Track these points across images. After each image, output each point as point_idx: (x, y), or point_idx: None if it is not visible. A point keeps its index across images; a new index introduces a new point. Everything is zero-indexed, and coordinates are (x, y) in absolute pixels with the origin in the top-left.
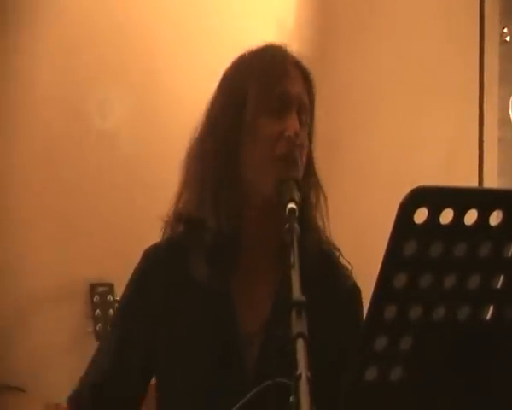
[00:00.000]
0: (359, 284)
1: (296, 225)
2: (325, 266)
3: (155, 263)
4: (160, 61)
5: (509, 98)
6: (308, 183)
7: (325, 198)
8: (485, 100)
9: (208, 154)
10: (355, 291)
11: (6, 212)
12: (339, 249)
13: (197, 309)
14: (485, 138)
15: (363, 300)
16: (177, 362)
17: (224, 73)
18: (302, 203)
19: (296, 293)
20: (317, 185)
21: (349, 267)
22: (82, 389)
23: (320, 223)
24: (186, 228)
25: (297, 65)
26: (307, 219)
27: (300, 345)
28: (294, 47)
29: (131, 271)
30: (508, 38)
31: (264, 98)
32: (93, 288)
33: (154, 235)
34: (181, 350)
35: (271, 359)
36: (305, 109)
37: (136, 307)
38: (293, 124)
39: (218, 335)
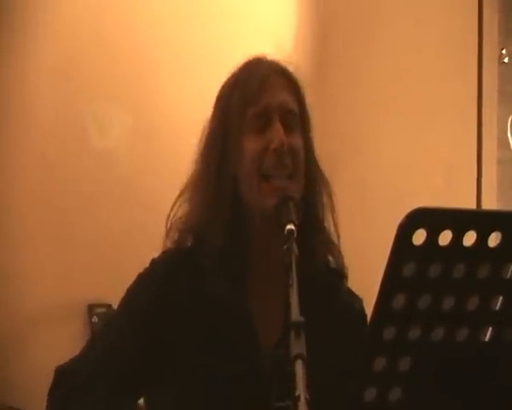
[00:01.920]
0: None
1: (294, 245)
2: (332, 284)
3: (166, 275)
4: (157, 78)
5: (508, 119)
6: (313, 188)
7: (333, 202)
8: (483, 121)
9: (206, 171)
10: (362, 317)
11: (3, 231)
12: (346, 268)
13: (215, 325)
14: (483, 159)
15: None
16: (197, 378)
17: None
18: (309, 211)
19: (295, 314)
20: (325, 187)
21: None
22: (75, 369)
23: (331, 227)
24: (194, 240)
25: (279, 72)
26: (316, 228)
27: (299, 366)
28: (293, 65)
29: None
30: (506, 60)
31: (245, 117)
32: (91, 309)
33: (152, 255)
34: (202, 367)
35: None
36: (292, 114)
37: (137, 320)
38: (276, 134)
39: (241, 351)
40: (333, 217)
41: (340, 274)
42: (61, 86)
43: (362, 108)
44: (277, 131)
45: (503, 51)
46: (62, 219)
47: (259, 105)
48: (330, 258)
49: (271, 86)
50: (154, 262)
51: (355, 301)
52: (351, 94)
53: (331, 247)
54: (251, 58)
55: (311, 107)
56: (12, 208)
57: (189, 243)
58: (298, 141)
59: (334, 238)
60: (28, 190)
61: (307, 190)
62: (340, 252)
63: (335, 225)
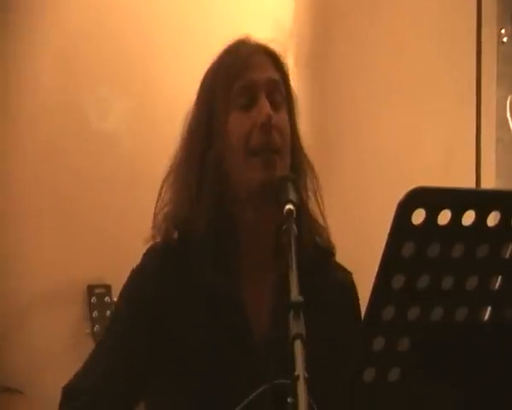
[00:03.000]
0: (358, 283)
1: (294, 226)
2: (321, 263)
3: (157, 265)
4: (158, 64)
5: (507, 99)
6: (297, 168)
7: (317, 179)
8: (482, 101)
9: (189, 156)
10: (352, 290)
11: (4, 214)
12: (334, 246)
13: (207, 315)
14: (482, 139)
15: (363, 300)
16: (192, 368)
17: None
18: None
19: (294, 294)
20: (308, 168)
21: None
22: (81, 387)
23: (315, 209)
24: (180, 231)
25: (264, 51)
26: (302, 210)
27: (298, 346)
28: (292, 51)
29: (129, 272)
30: (505, 40)
31: (230, 95)
32: (90, 289)
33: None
34: (196, 356)
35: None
36: (278, 89)
37: (134, 313)
38: (263, 109)
39: (234, 338)
40: (316, 198)
41: (327, 252)
42: (64, 71)
43: (361, 91)
44: (264, 107)
45: (503, 31)
46: (62, 201)
47: (245, 80)
48: (317, 238)
49: (257, 64)
50: (143, 260)
51: (345, 275)
52: (350, 76)
53: (317, 227)
54: (235, 40)
55: (310, 89)
56: (13, 192)
57: (176, 235)
58: (284, 117)
59: (320, 218)
60: (28, 174)
61: (292, 169)
62: (325, 231)
63: (320, 205)
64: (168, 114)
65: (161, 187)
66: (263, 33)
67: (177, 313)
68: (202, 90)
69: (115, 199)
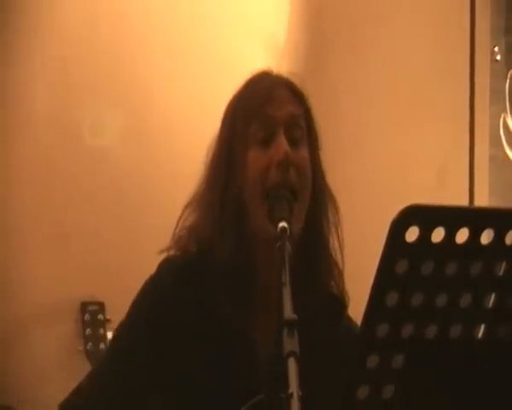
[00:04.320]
0: (353, 298)
1: (288, 244)
2: (333, 310)
3: (172, 281)
4: (151, 78)
5: (500, 117)
6: (318, 203)
7: (339, 214)
8: (476, 118)
9: (211, 178)
10: (354, 326)
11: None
12: (348, 299)
13: (217, 342)
14: (476, 156)
15: (358, 315)
16: (197, 388)
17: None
18: (314, 227)
19: (288, 311)
20: (331, 202)
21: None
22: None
23: (336, 252)
24: (200, 249)
25: (285, 85)
26: (320, 246)
27: (292, 364)
28: (286, 65)
29: (122, 289)
30: (498, 57)
31: (248, 131)
32: (84, 306)
33: (144, 254)
34: (201, 377)
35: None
36: (297, 125)
37: (144, 330)
38: (280, 146)
39: (241, 371)
40: (338, 236)
41: (341, 302)
42: (57, 87)
43: (355, 107)
44: (281, 144)
45: (496, 49)
46: (56, 217)
47: (264, 115)
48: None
49: (276, 99)
50: (158, 272)
51: (351, 322)
52: (343, 93)
53: (334, 271)
54: (255, 72)
55: None
56: (7, 206)
57: (195, 251)
58: (304, 154)
59: (338, 259)
60: (23, 190)
61: (313, 208)
62: (342, 277)
63: (340, 245)
64: (161, 132)
65: (182, 213)
66: (257, 49)
67: (186, 335)
68: (223, 124)
69: (111, 217)
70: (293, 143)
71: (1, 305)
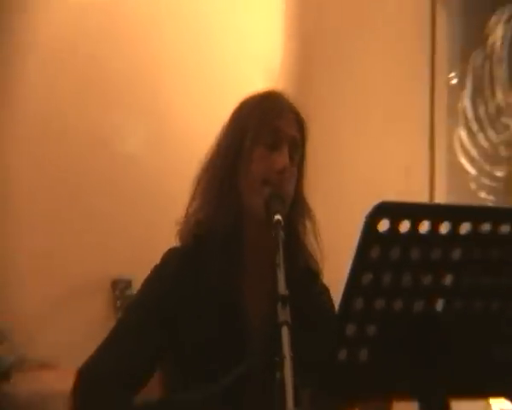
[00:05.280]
0: (332, 279)
1: (282, 232)
2: (310, 279)
3: (174, 267)
4: (167, 92)
5: (455, 130)
6: (299, 209)
7: (314, 222)
8: (435, 131)
9: (215, 171)
10: (329, 294)
11: (36, 214)
12: (321, 270)
13: (213, 310)
14: (435, 163)
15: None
16: (197, 348)
17: (233, 110)
18: (294, 226)
19: (281, 288)
20: (308, 211)
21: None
22: (97, 373)
23: (313, 242)
24: (197, 238)
25: (292, 110)
26: (299, 241)
27: (285, 331)
28: (279, 86)
29: (147, 268)
30: (454, 81)
31: (261, 131)
32: (115, 284)
33: (166, 238)
34: (201, 339)
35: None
36: (297, 149)
37: (153, 305)
38: (283, 159)
39: (232, 327)
40: (315, 236)
41: (315, 273)
42: (83, 97)
43: (338, 124)
44: (285, 156)
45: (452, 74)
46: (90, 205)
47: (275, 127)
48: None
49: (287, 119)
50: (165, 259)
51: (326, 290)
52: (325, 109)
53: (309, 256)
54: (270, 90)
55: None
56: (43, 193)
57: (192, 242)
58: (294, 171)
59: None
60: (59, 177)
61: (292, 212)
62: (316, 260)
63: (318, 240)
64: (174, 134)
65: (191, 198)
66: (254, 75)
67: (187, 307)
68: (235, 121)
69: (137, 208)
70: (290, 160)
71: (40, 284)
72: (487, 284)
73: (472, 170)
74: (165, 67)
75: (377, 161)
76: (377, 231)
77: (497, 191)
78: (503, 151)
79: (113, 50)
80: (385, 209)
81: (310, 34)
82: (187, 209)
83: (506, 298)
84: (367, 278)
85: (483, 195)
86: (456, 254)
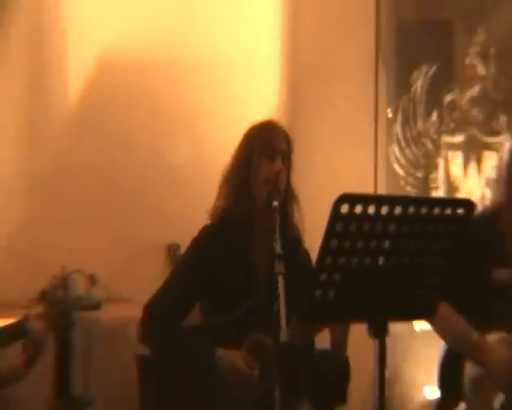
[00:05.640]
0: (310, 245)
1: (277, 215)
2: (296, 242)
3: (207, 240)
4: (202, 125)
5: (390, 147)
6: (289, 198)
7: (300, 207)
8: (378, 147)
9: (233, 175)
10: (308, 254)
11: (106, 191)
12: (302, 238)
13: (234, 263)
14: (378, 170)
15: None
16: (222, 290)
17: (244, 133)
18: (285, 209)
19: (278, 250)
20: (295, 199)
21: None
22: (157, 307)
23: (298, 220)
24: (222, 219)
25: (283, 132)
26: (289, 219)
27: (280, 279)
28: (275, 117)
29: (190, 236)
30: (390, 115)
31: (263, 148)
32: (170, 247)
33: (202, 216)
34: (226, 286)
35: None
36: (285, 157)
37: (194, 264)
38: (278, 166)
39: (246, 276)
40: (299, 215)
41: (300, 241)
42: (150, 126)
43: (312, 141)
44: (279, 164)
45: (388, 110)
46: (153, 191)
47: (274, 144)
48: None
49: (279, 139)
50: (201, 233)
51: (307, 252)
52: (306, 133)
53: (296, 229)
54: (269, 119)
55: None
56: (105, 165)
57: (220, 220)
58: (285, 171)
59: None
60: (126, 171)
61: (284, 199)
62: (300, 232)
63: (301, 219)
64: (206, 151)
65: (218, 193)
66: (257, 108)
67: (215, 264)
68: (244, 143)
69: (184, 194)
70: (282, 164)
71: (117, 245)
72: (412, 247)
73: (401, 172)
74: (200, 105)
75: (340, 167)
76: (340, 212)
77: (417, 187)
78: (421, 160)
79: (168, 93)
80: (345, 198)
81: (297, 83)
82: (215, 200)
83: (424, 256)
84: (333, 243)
85: (408, 189)
86: (392, 227)
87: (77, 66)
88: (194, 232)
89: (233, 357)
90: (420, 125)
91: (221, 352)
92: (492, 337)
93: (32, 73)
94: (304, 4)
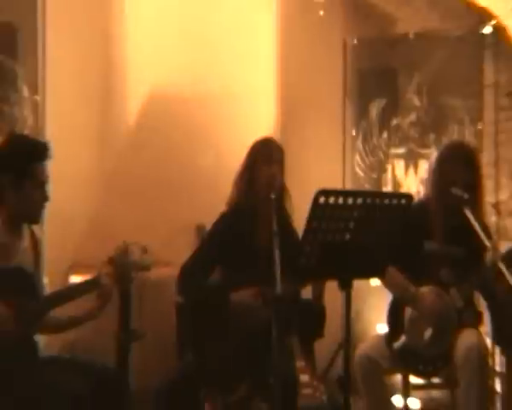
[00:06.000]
0: (298, 225)
1: (274, 205)
2: (287, 223)
3: (226, 220)
4: (219, 142)
5: (355, 156)
6: (282, 192)
7: (290, 199)
8: (346, 157)
9: (243, 177)
10: (296, 232)
11: (155, 185)
12: (292, 220)
13: (244, 240)
14: (345, 174)
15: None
16: (234, 258)
17: (249, 147)
18: (280, 201)
19: (274, 228)
20: (287, 193)
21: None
22: (189, 269)
23: (289, 208)
24: (235, 207)
25: (278, 146)
26: (282, 207)
27: (276, 252)
28: (272, 135)
29: (212, 219)
30: (354, 134)
31: (264, 158)
32: (198, 227)
33: (222, 203)
34: (236, 254)
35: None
36: (280, 164)
37: (215, 239)
38: (274, 170)
39: (251, 248)
40: (289, 204)
41: (290, 222)
42: (187, 139)
43: (299, 152)
44: (276, 169)
45: (353, 130)
46: (183, 178)
47: (272, 156)
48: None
49: (276, 150)
50: (220, 217)
51: (295, 231)
52: (295, 146)
53: (287, 214)
54: (268, 137)
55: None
56: (154, 167)
57: (233, 209)
58: (280, 175)
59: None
60: (167, 166)
61: (280, 193)
62: (290, 216)
63: (291, 207)
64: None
65: (232, 188)
66: (260, 129)
67: (230, 239)
68: (250, 154)
69: (208, 187)
70: (278, 169)
71: (158, 223)
72: (369, 227)
73: (362, 174)
74: (218, 126)
75: (318, 170)
76: (318, 202)
77: (373, 185)
78: (376, 166)
79: (196, 117)
80: (322, 192)
81: (287, 110)
82: (230, 194)
83: (378, 233)
84: (314, 224)
85: (367, 186)
86: (356, 213)
87: (134, 95)
88: (215, 217)
89: (242, 295)
90: (375, 141)
91: (233, 295)
92: (424, 289)
93: (103, 98)
94: (293, 53)
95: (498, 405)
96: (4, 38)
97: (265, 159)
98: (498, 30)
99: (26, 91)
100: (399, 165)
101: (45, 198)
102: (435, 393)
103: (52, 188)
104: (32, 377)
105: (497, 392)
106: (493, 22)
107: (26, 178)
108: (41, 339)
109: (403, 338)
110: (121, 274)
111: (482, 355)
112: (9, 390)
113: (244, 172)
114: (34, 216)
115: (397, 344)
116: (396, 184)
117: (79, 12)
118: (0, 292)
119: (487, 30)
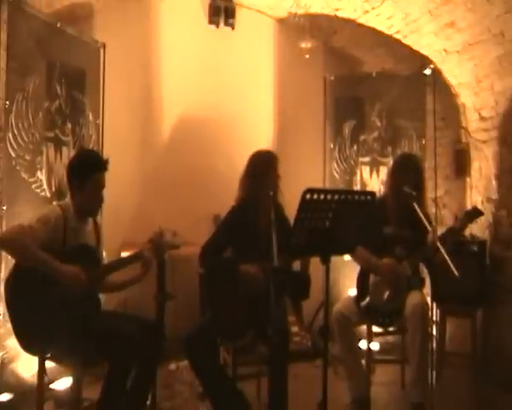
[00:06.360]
0: (289, 214)
1: (272, 200)
2: (281, 214)
3: (236, 211)
4: (230, 150)
5: (332, 163)
6: (278, 190)
7: (283, 195)
8: (326, 164)
9: (247, 181)
10: (288, 220)
11: (183, 183)
12: (285, 211)
13: (249, 225)
14: (326, 175)
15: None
16: (241, 240)
17: (250, 156)
18: (276, 197)
19: (272, 217)
20: (281, 191)
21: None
22: (208, 248)
23: (282, 202)
24: (242, 202)
25: (275, 157)
26: (278, 201)
27: (274, 234)
28: (271, 147)
29: (225, 210)
30: (331, 147)
31: (263, 165)
32: (214, 217)
33: (233, 197)
34: (243, 237)
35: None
36: (276, 170)
37: (227, 225)
38: (274, 176)
39: (255, 233)
40: (283, 200)
41: (283, 212)
42: (204, 144)
43: (292, 161)
44: (273, 175)
45: (331, 144)
46: (204, 178)
47: (271, 167)
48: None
49: (274, 160)
50: (231, 209)
51: (287, 218)
52: (290, 156)
53: (282, 207)
54: (267, 149)
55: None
56: (183, 169)
57: (241, 202)
58: (277, 179)
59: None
60: (177, 157)
61: (275, 191)
62: (283, 208)
63: (283, 200)
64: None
65: (239, 188)
66: (261, 142)
67: (238, 226)
68: (252, 161)
69: (220, 184)
70: (274, 174)
71: (181, 212)
72: (344, 217)
73: (338, 177)
74: (229, 139)
75: (305, 174)
76: (306, 198)
77: (346, 185)
78: (348, 171)
79: (213, 132)
80: (308, 190)
81: (282, 129)
82: (238, 192)
83: (350, 221)
84: (302, 214)
85: (342, 186)
86: (333, 206)
87: (168, 115)
88: (227, 209)
89: (248, 268)
90: (347, 152)
91: (242, 266)
92: (385, 260)
93: (145, 118)
94: (286, 86)
95: (434, 344)
96: (77, 79)
97: (264, 166)
98: (436, 72)
99: (91, 117)
100: (366, 170)
101: (101, 200)
102: (390, 338)
103: (108, 186)
104: (99, 322)
105: (433, 335)
106: (432, 66)
107: (89, 183)
108: (102, 297)
109: (368, 299)
110: (158, 251)
111: (424, 310)
112: (86, 333)
113: (247, 176)
114: (92, 212)
115: (363, 303)
116: (363, 184)
117: (127, 56)
118: (73, 262)
119: (428, 71)
